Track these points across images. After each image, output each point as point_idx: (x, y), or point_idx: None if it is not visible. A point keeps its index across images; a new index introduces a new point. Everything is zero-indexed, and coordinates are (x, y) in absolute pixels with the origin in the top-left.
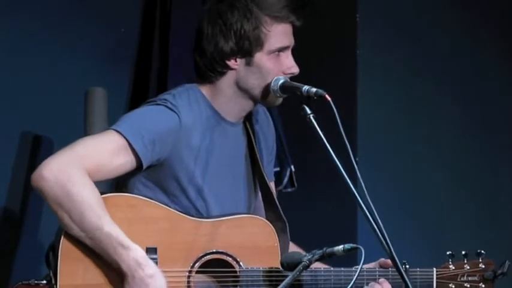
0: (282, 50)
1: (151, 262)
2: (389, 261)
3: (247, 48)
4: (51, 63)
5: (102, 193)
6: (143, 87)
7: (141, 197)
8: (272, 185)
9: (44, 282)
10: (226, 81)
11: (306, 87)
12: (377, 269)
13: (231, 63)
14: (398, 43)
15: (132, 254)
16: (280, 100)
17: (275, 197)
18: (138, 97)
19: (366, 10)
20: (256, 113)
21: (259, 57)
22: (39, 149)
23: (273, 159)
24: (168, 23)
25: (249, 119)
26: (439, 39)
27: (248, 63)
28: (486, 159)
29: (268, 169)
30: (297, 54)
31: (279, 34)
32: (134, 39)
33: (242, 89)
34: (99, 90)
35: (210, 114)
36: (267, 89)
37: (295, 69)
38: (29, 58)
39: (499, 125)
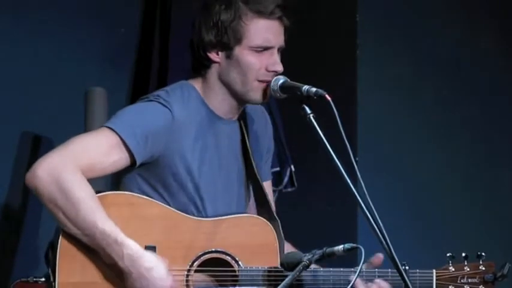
0: (265, 49)
1: (147, 255)
2: (377, 259)
3: (226, 41)
4: (51, 63)
5: (100, 192)
6: (143, 87)
7: (140, 195)
8: (268, 184)
9: (43, 279)
10: (212, 75)
11: (306, 87)
12: (376, 270)
13: (213, 55)
14: (398, 43)
15: (126, 250)
16: (266, 98)
17: (268, 197)
18: (138, 97)
19: (366, 10)
20: (253, 111)
21: (239, 51)
22: (39, 149)
23: (270, 159)
24: (168, 23)
25: (243, 117)
26: (439, 39)
27: (228, 57)
28: (487, 158)
29: (265, 168)
30: (297, 54)
31: (260, 30)
32: (134, 39)
33: (225, 83)
34: (99, 90)
35: (202, 111)
36: (249, 85)
37: (278, 67)
38: (29, 58)
39: (500, 124)
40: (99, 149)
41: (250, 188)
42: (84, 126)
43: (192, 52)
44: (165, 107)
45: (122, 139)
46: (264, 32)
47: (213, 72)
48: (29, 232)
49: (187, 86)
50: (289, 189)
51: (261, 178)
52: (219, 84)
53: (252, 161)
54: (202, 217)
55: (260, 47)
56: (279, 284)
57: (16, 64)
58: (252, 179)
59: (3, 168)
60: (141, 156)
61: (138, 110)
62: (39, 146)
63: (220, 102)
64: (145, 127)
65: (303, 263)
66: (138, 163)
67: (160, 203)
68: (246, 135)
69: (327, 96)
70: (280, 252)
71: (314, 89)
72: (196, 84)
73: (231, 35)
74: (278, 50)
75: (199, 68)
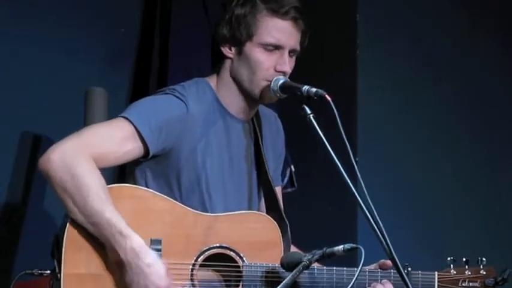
0: (276, 47)
1: (150, 251)
2: (389, 262)
3: (238, 36)
4: (51, 63)
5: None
6: (143, 87)
7: (145, 188)
8: (279, 189)
9: (48, 271)
10: (225, 71)
11: (306, 87)
12: (379, 270)
13: (226, 50)
14: (398, 43)
15: (130, 243)
16: (273, 98)
17: (278, 199)
18: (138, 97)
19: (366, 10)
20: (266, 117)
21: (249, 47)
22: (39, 149)
23: (281, 165)
24: (168, 23)
25: (257, 121)
26: (439, 39)
27: (239, 53)
28: (487, 158)
29: (276, 174)
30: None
31: (271, 28)
32: (134, 39)
33: (235, 80)
34: (99, 90)
35: (215, 108)
36: (256, 83)
37: (286, 68)
38: (29, 58)
39: (500, 125)
40: (113, 138)
41: (262, 190)
42: (84, 126)
43: (211, 47)
44: (181, 100)
45: (136, 129)
46: (275, 31)
47: (226, 68)
48: (28, 233)
49: (203, 82)
50: (289, 190)
51: (273, 181)
52: (230, 81)
53: (265, 163)
54: (209, 212)
55: (270, 45)
56: (282, 281)
57: (16, 64)
58: (263, 181)
59: (3, 168)
60: (155, 146)
61: (154, 101)
62: (39, 146)
63: (233, 100)
64: (160, 118)
65: (303, 263)
66: (151, 153)
67: (165, 196)
68: (259, 138)
69: (327, 96)
70: (284, 251)
71: (314, 89)
72: (212, 81)
73: (243, 30)
74: (291, 53)
75: (215, 64)
